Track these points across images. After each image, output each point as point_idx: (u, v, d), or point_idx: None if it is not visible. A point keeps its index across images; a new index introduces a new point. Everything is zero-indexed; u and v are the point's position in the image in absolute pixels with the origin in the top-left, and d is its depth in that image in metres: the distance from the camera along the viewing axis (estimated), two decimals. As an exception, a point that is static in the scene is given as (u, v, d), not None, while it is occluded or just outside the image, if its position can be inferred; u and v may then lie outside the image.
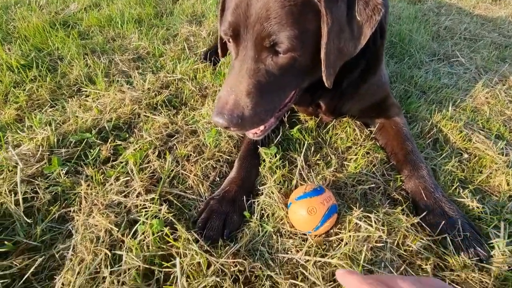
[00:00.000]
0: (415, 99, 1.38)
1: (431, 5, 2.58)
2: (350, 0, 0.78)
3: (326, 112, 1.16)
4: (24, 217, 0.86)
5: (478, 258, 0.76)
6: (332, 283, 0.72)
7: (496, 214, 0.88)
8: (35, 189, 0.95)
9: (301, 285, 0.70)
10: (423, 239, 0.81)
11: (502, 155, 1.07)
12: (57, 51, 1.78)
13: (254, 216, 0.88)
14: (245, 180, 0.96)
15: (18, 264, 0.75)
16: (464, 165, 1.06)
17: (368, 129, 1.21)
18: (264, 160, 1.03)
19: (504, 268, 0.75)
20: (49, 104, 1.37)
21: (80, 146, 1.11)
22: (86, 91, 1.45)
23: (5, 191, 0.92)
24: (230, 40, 0.83)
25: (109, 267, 0.73)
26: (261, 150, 1.04)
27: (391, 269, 0.76)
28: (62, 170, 1.00)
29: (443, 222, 0.81)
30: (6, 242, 0.78)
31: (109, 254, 0.75)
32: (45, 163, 1.04)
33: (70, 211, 0.91)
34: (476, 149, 1.12)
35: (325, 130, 1.22)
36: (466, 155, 1.09)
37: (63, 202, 0.94)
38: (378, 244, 0.78)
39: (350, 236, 0.80)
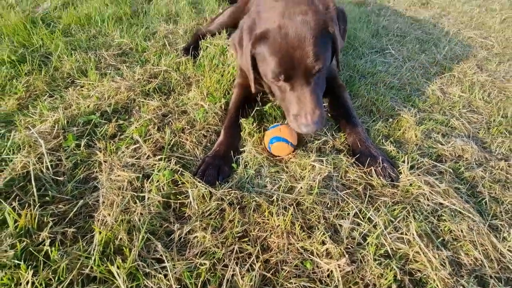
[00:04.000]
0: (357, 82, 1.78)
1: (373, 8, 3.07)
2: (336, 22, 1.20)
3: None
4: (53, 177, 1.07)
5: (391, 179, 1.15)
6: (290, 200, 1.05)
7: (406, 154, 1.28)
8: (58, 159, 1.15)
9: (275, 203, 1.02)
10: (357, 171, 1.18)
11: (414, 117, 1.49)
12: (42, 48, 1.90)
13: (240, 167, 1.18)
14: (231, 142, 1.25)
15: (62, 207, 0.97)
16: (388, 125, 1.46)
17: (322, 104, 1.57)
18: (244, 128, 1.33)
19: (407, 184, 1.14)
20: (47, 94, 1.54)
21: (88, 126, 1.32)
22: (80, 82, 1.64)
23: (33, 160, 1.11)
24: (281, 81, 1.15)
25: (137, 202, 0.98)
26: (242, 121, 1.35)
27: (337, 191, 1.11)
28: (78, 142, 1.21)
29: (369, 159, 1.19)
30: (49, 193, 1.00)
31: (135, 194, 1.01)
32: (61, 139, 1.24)
33: (92, 172, 1.13)
34: (397, 115, 1.53)
35: (289, 106, 1.55)
36: (390, 119, 1.50)
37: (84, 168, 1.15)
38: (327, 175, 1.13)
39: (308, 172, 1.14)
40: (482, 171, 1.24)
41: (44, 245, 0.85)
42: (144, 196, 1.02)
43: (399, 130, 1.44)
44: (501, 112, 1.65)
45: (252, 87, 1.30)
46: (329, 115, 1.51)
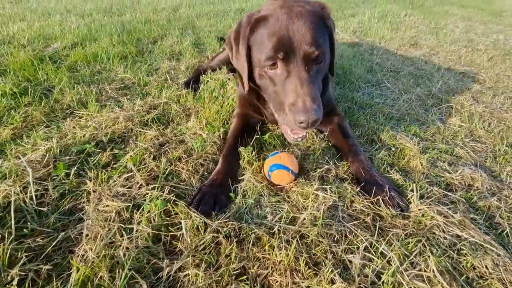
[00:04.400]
0: (356, 112, 1.78)
1: (366, 47, 3.25)
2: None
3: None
4: (36, 208, 0.99)
5: (400, 209, 1.07)
6: (292, 232, 0.96)
7: (414, 183, 1.21)
8: (44, 188, 1.08)
9: (277, 235, 0.93)
10: (364, 201, 1.10)
11: (417, 146, 1.46)
12: (46, 82, 1.94)
13: (238, 196, 1.11)
14: (229, 170, 1.19)
15: (40, 240, 0.87)
16: (392, 154, 1.42)
17: (322, 134, 1.55)
18: (243, 156, 1.28)
19: (418, 214, 1.06)
20: (44, 125, 1.51)
21: (82, 155, 1.27)
22: (79, 113, 1.63)
23: (17, 190, 1.04)
24: (277, 68, 1.12)
25: (124, 235, 0.89)
26: (241, 149, 1.30)
27: (344, 222, 1.02)
28: (68, 171, 1.15)
29: (375, 187, 1.12)
30: (29, 225, 0.91)
31: (123, 226, 0.92)
32: (51, 168, 1.18)
33: (78, 203, 1.05)
34: (400, 144, 1.50)
35: (289, 136, 1.52)
36: (393, 148, 1.46)
37: (71, 198, 1.08)
38: (331, 204, 1.05)
39: (311, 202, 1.06)
40: (496, 201, 1.16)
41: (12, 285, 0.74)
42: (133, 228, 0.92)
43: (403, 158, 1.39)
44: (505, 141, 1.62)
45: (245, 83, 1.25)
46: (330, 144, 1.48)
